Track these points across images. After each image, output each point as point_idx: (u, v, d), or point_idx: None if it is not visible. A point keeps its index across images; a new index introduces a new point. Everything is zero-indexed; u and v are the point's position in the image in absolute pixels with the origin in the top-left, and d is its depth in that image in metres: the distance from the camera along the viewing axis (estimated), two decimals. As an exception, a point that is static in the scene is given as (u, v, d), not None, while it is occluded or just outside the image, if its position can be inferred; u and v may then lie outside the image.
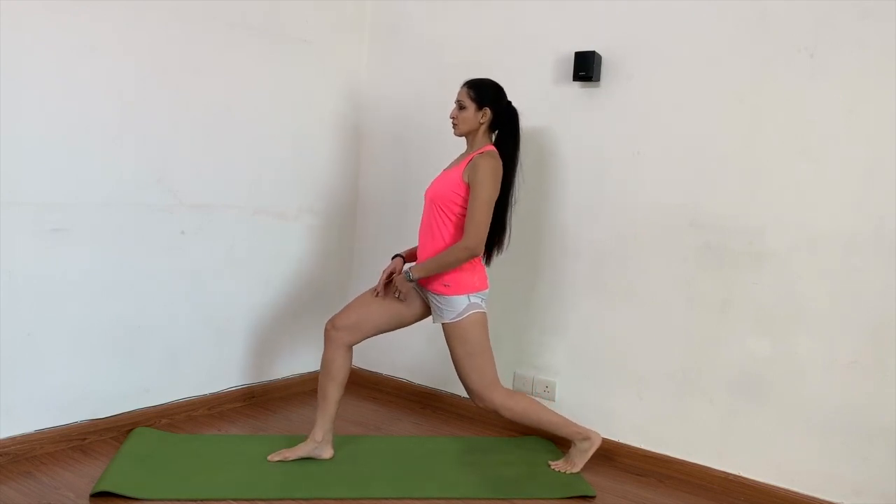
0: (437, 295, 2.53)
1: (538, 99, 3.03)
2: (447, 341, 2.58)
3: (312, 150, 3.45)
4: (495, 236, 2.60)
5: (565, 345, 3.02)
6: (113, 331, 2.75)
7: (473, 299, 2.53)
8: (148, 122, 2.77)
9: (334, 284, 3.64)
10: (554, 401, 3.04)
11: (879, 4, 2.33)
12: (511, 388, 3.16)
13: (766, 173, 2.54)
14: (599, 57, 2.85)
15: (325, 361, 2.58)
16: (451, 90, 3.29)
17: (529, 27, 3.08)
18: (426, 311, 2.64)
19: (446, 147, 3.25)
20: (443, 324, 2.56)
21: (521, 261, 3.07)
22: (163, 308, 2.91)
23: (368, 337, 2.63)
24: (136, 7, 2.68)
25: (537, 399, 3.06)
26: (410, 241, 3.37)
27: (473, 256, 2.48)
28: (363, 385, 3.63)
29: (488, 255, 2.64)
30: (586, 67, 2.84)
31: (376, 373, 3.64)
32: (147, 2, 2.71)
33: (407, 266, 2.61)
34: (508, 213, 2.60)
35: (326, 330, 2.59)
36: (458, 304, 2.51)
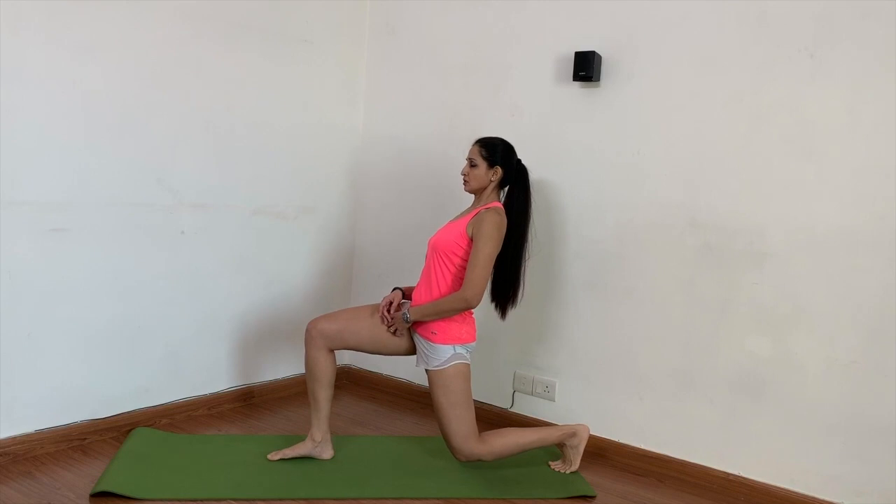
0: (425, 341, 2.54)
1: (538, 99, 3.03)
2: (430, 388, 2.57)
3: (312, 151, 3.45)
4: (509, 291, 2.62)
5: (565, 345, 3.02)
6: (113, 331, 2.75)
7: (459, 350, 2.53)
8: (148, 122, 2.77)
9: (334, 285, 3.64)
10: (554, 401, 3.04)
11: (879, 4, 2.33)
12: (511, 387, 3.16)
13: (767, 173, 2.54)
14: (599, 57, 2.85)
15: (308, 363, 2.57)
16: (451, 90, 3.31)
17: (529, 27, 3.07)
18: (409, 350, 2.64)
19: (445, 148, 3.25)
20: (426, 370, 2.56)
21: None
22: (163, 308, 2.91)
23: (347, 349, 2.63)
24: (135, 7, 2.68)
25: (537, 400, 3.07)
26: (410, 241, 3.37)
27: (469, 308, 2.50)
28: (363, 385, 3.64)
29: (503, 310, 2.66)
30: (586, 67, 2.83)
31: (376, 373, 3.64)
32: (147, 2, 2.71)
33: (405, 303, 2.61)
34: (522, 269, 2.62)
35: (308, 330, 2.58)
36: (443, 353, 2.51)
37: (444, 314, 2.50)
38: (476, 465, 2.70)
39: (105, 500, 2.24)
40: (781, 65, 2.50)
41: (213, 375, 3.14)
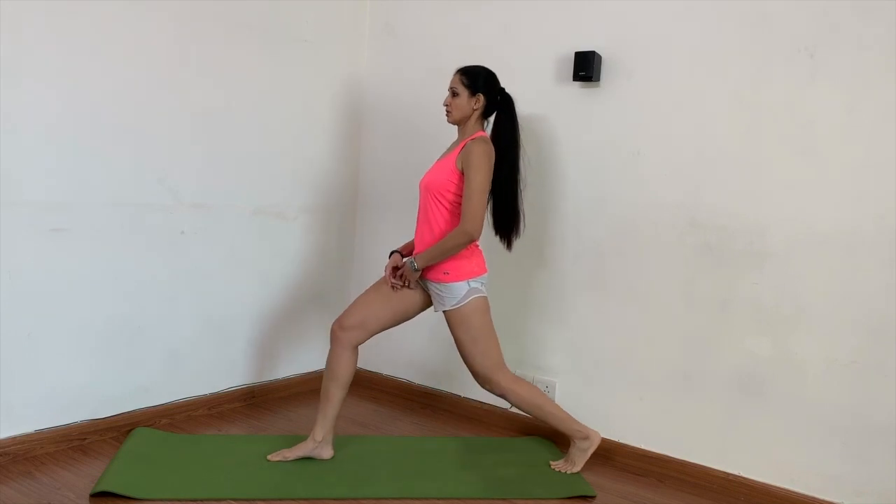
0: (437, 283, 2.54)
1: (538, 99, 3.03)
2: (450, 328, 2.58)
3: (312, 150, 3.45)
4: (511, 223, 2.62)
5: (565, 345, 3.02)
6: (113, 331, 2.75)
7: (473, 284, 2.54)
8: (148, 122, 2.77)
9: (334, 284, 3.64)
10: (554, 401, 3.03)
11: (879, 4, 2.33)
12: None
13: (767, 173, 2.54)
14: (599, 57, 2.85)
15: (331, 362, 2.58)
16: (451, 90, 3.31)
17: (529, 27, 3.08)
18: (428, 302, 2.65)
19: (445, 147, 3.25)
20: (444, 311, 2.56)
21: (521, 260, 3.07)
22: (163, 308, 2.91)
23: (374, 334, 2.63)
24: (136, 7, 2.68)
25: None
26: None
27: (472, 241, 2.49)
28: (363, 385, 3.63)
29: (508, 242, 2.66)
30: (586, 67, 2.84)
31: (376, 373, 3.64)
32: (147, 2, 2.71)
33: (407, 259, 2.61)
34: (519, 199, 2.61)
35: (333, 331, 2.58)
36: (459, 291, 2.52)
37: (450, 252, 2.49)
38: (476, 464, 2.70)
39: (105, 500, 2.24)
40: (781, 65, 2.50)
41: (213, 375, 3.14)
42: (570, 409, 2.96)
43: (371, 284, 2.74)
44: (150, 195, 2.81)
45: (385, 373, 3.62)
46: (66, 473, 2.43)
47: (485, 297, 2.58)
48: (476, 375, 2.63)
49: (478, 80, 2.56)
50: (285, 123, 3.29)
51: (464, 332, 2.55)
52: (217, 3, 2.95)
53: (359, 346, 2.61)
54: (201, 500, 2.28)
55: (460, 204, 2.49)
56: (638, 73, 2.80)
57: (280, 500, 2.33)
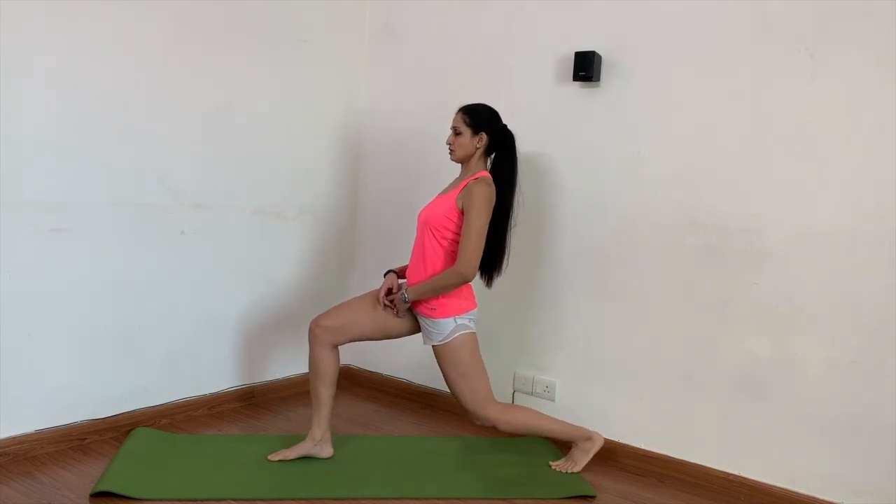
0: (425, 318, 2.55)
1: (538, 99, 3.03)
2: (438, 363, 2.58)
3: (312, 150, 3.45)
4: (494, 259, 2.59)
5: (565, 345, 3.02)
6: (113, 331, 2.75)
7: (460, 321, 2.53)
8: (148, 122, 2.77)
9: (334, 284, 3.64)
10: (554, 401, 3.04)
11: (879, 4, 2.33)
12: (511, 388, 3.16)
13: (767, 173, 2.54)
14: (599, 57, 2.85)
15: (312, 361, 2.58)
16: (451, 90, 3.31)
17: (529, 27, 3.08)
18: (413, 328, 2.65)
19: (444, 147, 3.25)
20: (433, 346, 2.57)
21: (521, 261, 3.06)
22: (163, 308, 2.91)
23: (352, 341, 2.63)
24: (136, 7, 2.68)
25: (537, 400, 3.07)
26: (409, 241, 3.37)
27: (465, 282, 2.49)
28: (363, 385, 3.64)
29: (489, 278, 2.64)
30: (586, 67, 2.83)
31: (376, 373, 3.64)
32: (147, 2, 2.71)
33: (402, 283, 2.61)
34: (507, 237, 2.60)
35: (311, 328, 2.58)
36: (446, 327, 2.52)
37: (441, 291, 2.49)
38: (476, 464, 2.70)
39: (105, 500, 2.24)
40: (781, 65, 2.50)
41: (213, 375, 3.14)
42: (570, 409, 2.97)
43: (365, 292, 2.73)
44: (150, 195, 2.81)
45: (385, 373, 3.62)
46: (66, 473, 2.43)
47: (472, 333, 2.57)
48: (466, 410, 2.61)
49: (481, 119, 2.55)
50: (285, 123, 3.29)
51: (451, 367, 2.54)
52: (217, 3, 2.95)
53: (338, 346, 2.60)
54: (201, 500, 2.28)
55: (458, 243, 2.49)
56: (638, 73, 2.80)
57: (280, 500, 2.33)
